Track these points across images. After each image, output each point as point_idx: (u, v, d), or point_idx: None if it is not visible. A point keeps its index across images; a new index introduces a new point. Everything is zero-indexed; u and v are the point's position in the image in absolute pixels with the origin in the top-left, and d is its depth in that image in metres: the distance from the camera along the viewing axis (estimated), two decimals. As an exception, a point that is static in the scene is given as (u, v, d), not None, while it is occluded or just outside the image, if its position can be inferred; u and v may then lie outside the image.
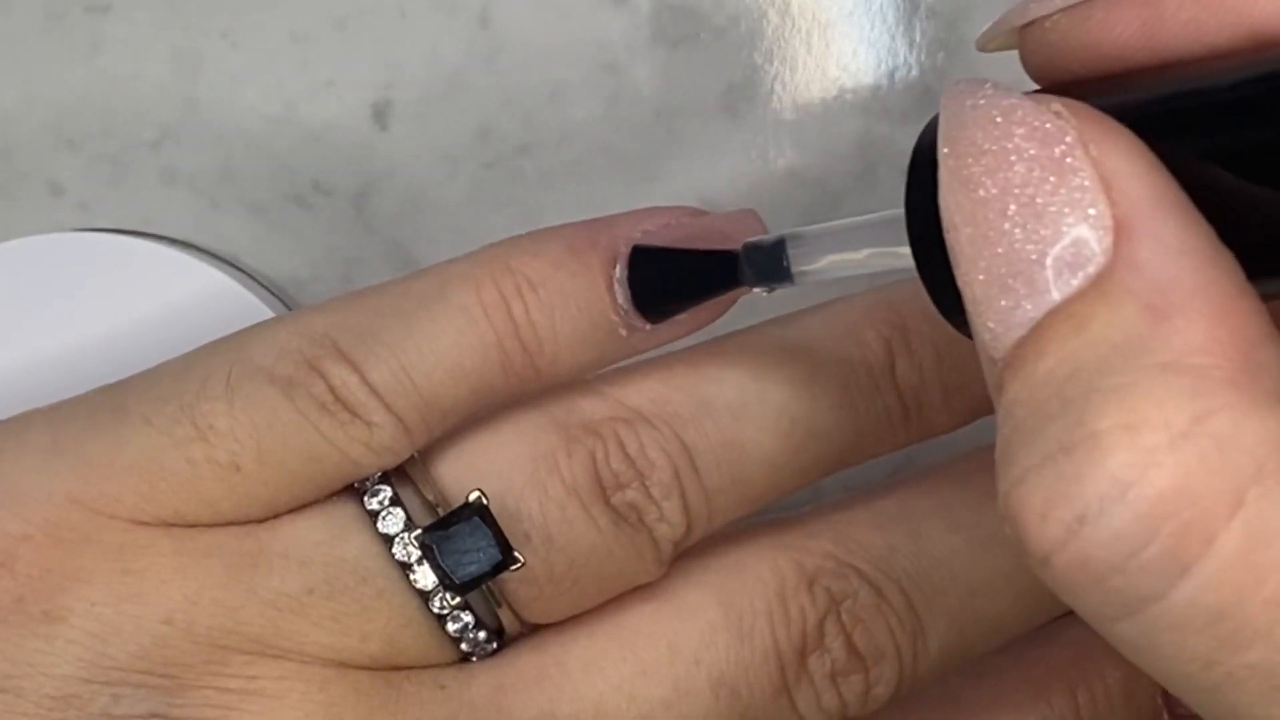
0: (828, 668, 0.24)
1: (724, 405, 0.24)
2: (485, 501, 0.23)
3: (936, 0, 0.30)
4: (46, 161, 0.31)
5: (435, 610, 0.23)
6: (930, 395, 0.25)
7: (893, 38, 0.31)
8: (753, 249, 0.23)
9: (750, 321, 0.26)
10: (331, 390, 0.23)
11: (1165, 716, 0.28)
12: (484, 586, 0.23)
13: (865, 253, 0.21)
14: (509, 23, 0.30)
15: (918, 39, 0.31)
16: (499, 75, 0.31)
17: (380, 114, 0.31)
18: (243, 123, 0.31)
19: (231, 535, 0.23)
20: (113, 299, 0.30)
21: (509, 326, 0.23)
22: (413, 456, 0.24)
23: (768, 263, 0.22)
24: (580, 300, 0.23)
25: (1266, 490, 0.14)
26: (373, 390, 0.23)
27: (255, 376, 0.23)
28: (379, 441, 0.23)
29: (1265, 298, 0.16)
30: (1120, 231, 0.16)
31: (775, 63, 0.31)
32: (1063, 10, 0.18)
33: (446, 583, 0.23)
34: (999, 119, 0.16)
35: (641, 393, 0.24)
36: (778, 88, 0.31)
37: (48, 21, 0.30)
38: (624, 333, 0.24)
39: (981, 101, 0.17)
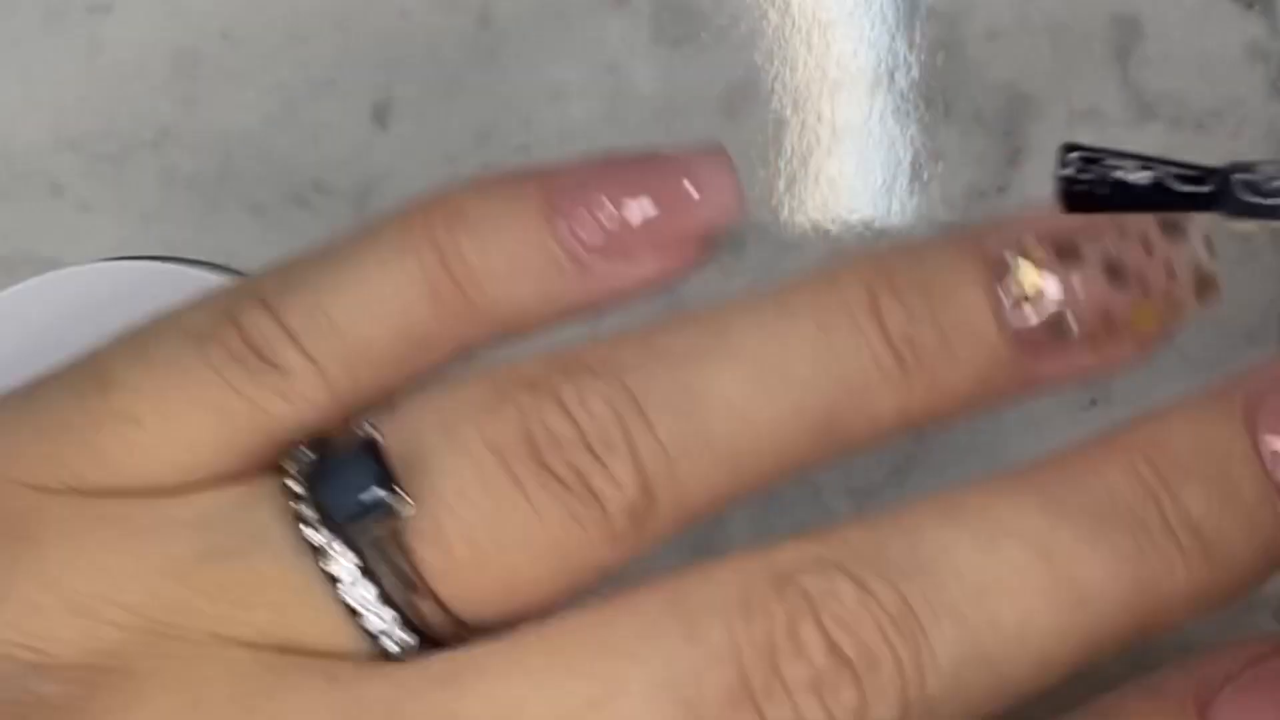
0: (807, 677, 0.20)
1: (679, 350, 0.21)
2: (376, 435, 0.20)
3: (936, 0, 0.30)
4: (46, 161, 0.31)
5: (343, 594, 0.20)
6: (924, 335, 0.22)
7: (893, 38, 0.31)
8: (1239, 169, 0.20)
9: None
10: (245, 339, 0.21)
11: None
12: (391, 555, 0.20)
13: None
14: (509, 23, 0.30)
15: (918, 39, 0.31)
16: (499, 75, 0.31)
17: (380, 114, 0.31)
18: (243, 123, 0.31)
19: (131, 504, 0.21)
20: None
21: (435, 255, 0.21)
22: (347, 424, 0.21)
23: (1263, 190, 0.20)
24: (515, 226, 0.22)
25: None
26: (287, 333, 0.21)
27: (171, 332, 0.21)
28: (295, 390, 0.21)
29: None
30: None
31: (775, 63, 0.31)
32: None
33: (326, 522, 0.20)
34: None
35: (587, 349, 0.22)
36: (778, 88, 0.31)
37: (48, 21, 0.31)
38: (567, 265, 0.22)
39: None
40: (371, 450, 0.20)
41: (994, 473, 0.22)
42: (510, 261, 0.21)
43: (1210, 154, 0.30)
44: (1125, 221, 0.21)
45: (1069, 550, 0.21)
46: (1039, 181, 0.31)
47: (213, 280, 0.30)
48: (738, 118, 0.31)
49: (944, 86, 0.31)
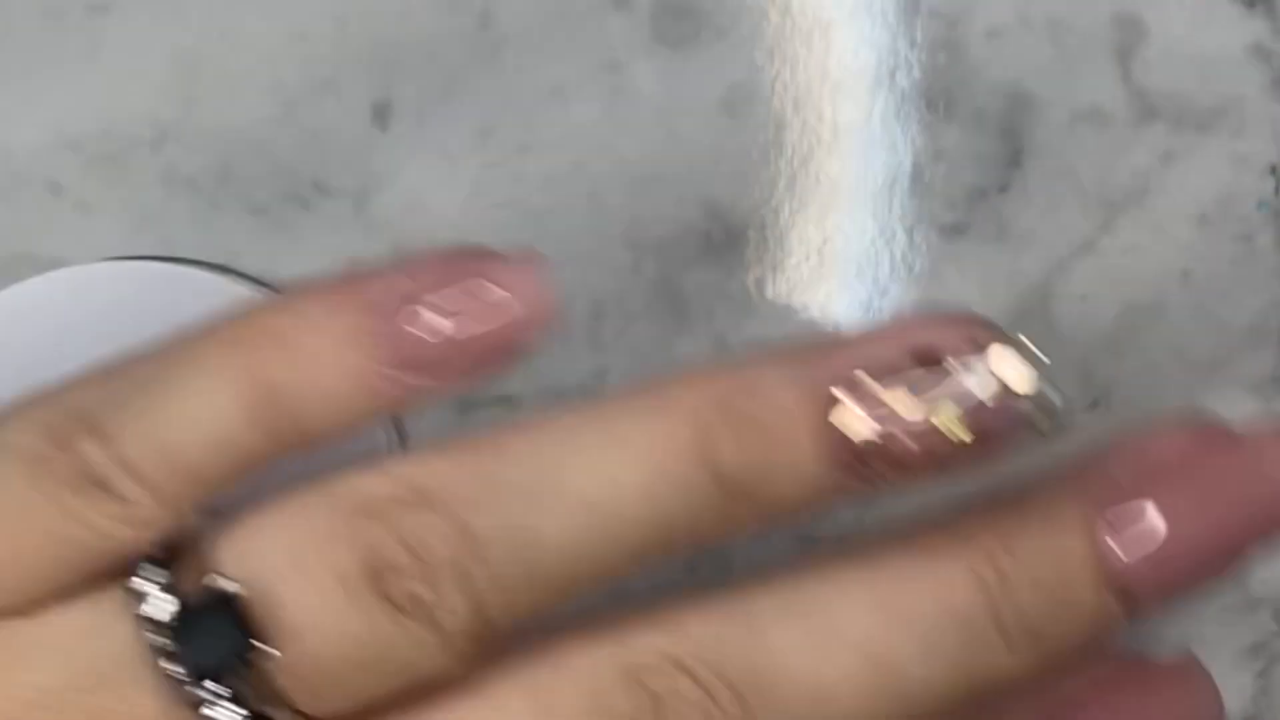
0: None
1: (516, 488, 0.22)
2: (233, 589, 0.22)
3: (937, 0, 0.30)
4: (46, 161, 0.31)
5: (193, 700, 0.22)
6: (752, 476, 0.23)
7: (893, 38, 0.31)
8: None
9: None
10: (78, 468, 0.22)
11: None
12: (245, 678, 0.22)
13: None
14: (509, 23, 0.30)
15: (918, 39, 0.31)
16: (499, 75, 0.31)
17: (380, 114, 0.31)
18: (243, 123, 0.31)
19: None
20: (151, 329, 0.30)
21: (255, 391, 0.22)
22: (187, 539, 0.23)
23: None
24: (332, 355, 0.22)
25: None
26: (124, 464, 0.22)
27: (2, 453, 0.22)
28: (136, 516, 0.22)
29: None
30: None
31: (775, 63, 0.31)
32: None
33: (191, 672, 0.22)
34: None
35: (428, 472, 0.23)
36: (778, 88, 0.31)
37: (48, 21, 0.31)
38: (381, 385, 0.22)
39: None
40: (229, 605, 0.22)
41: (837, 557, 0.24)
42: (328, 391, 0.22)
43: (1212, 153, 0.30)
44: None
45: (898, 655, 0.23)
46: (1040, 181, 0.31)
47: (212, 281, 0.30)
48: (738, 118, 0.31)
49: (944, 86, 0.31)
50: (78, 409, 0.22)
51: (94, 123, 0.31)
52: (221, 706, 0.22)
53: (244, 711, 0.22)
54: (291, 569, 0.22)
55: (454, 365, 0.23)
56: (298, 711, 0.22)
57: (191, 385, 0.22)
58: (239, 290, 0.30)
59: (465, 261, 0.23)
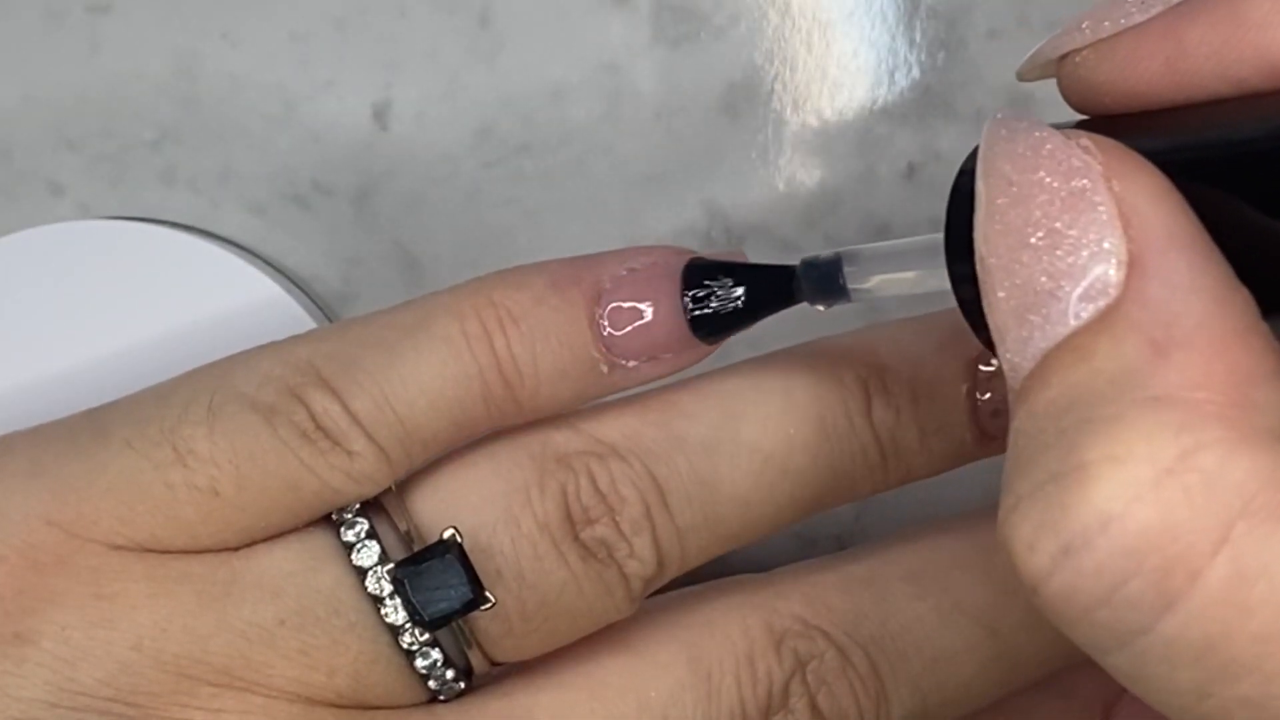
0: None
1: (697, 441, 0.24)
2: (459, 539, 0.23)
3: (937, 0, 0.30)
4: (46, 161, 0.31)
5: (404, 646, 0.23)
6: (907, 437, 0.25)
7: (893, 38, 0.31)
8: (810, 265, 0.22)
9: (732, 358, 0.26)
10: (313, 418, 0.23)
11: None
12: (455, 625, 0.23)
13: (914, 273, 0.21)
14: (509, 23, 0.30)
15: (918, 39, 0.31)
16: (499, 75, 0.31)
17: (380, 114, 0.31)
18: (243, 123, 0.31)
19: (206, 563, 0.23)
20: (122, 286, 0.30)
21: (491, 359, 0.23)
22: (390, 488, 0.24)
23: (824, 279, 0.22)
24: (562, 335, 0.23)
25: (1252, 526, 0.14)
26: (354, 419, 0.23)
27: (237, 402, 0.23)
28: (360, 470, 0.23)
29: None
30: (1134, 266, 0.16)
31: (775, 63, 0.31)
32: (1090, 45, 0.19)
33: (416, 619, 0.23)
34: (1027, 152, 0.17)
35: (615, 427, 0.24)
36: (778, 88, 0.31)
37: (48, 21, 0.30)
38: (605, 369, 0.24)
39: (1013, 134, 0.17)
40: (457, 553, 0.23)
41: (949, 531, 0.26)
42: (556, 368, 0.23)
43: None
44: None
45: (1009, 623, 0.25)
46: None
47: (177, 239, 0.30)
48: (738, 118, 0.31)
49: (944, 86, 0.31)
50: (306, 362, 0.23)
51: (94, 123, 0.31)
52: (432, 652, 0.23)
53: (443, 656, 0.23)
54: (501, 519, 0.23)
55: (669, 354, 0.24)
56: (487, 657, 0.24)
57: (424, 351, 0.23)
58: (209, 249, 0.30)
59: (679, 253, 0.24)
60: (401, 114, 0.31)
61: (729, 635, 0.24)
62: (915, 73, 0.31)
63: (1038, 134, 0.17)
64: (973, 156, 0.18)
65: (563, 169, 0.31)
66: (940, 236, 0.20)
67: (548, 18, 0.30)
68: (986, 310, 0.17)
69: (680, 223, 0.31)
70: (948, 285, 0.20)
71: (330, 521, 0.23)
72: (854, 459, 0.25)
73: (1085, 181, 0.16)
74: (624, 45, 0.30)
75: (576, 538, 0.23)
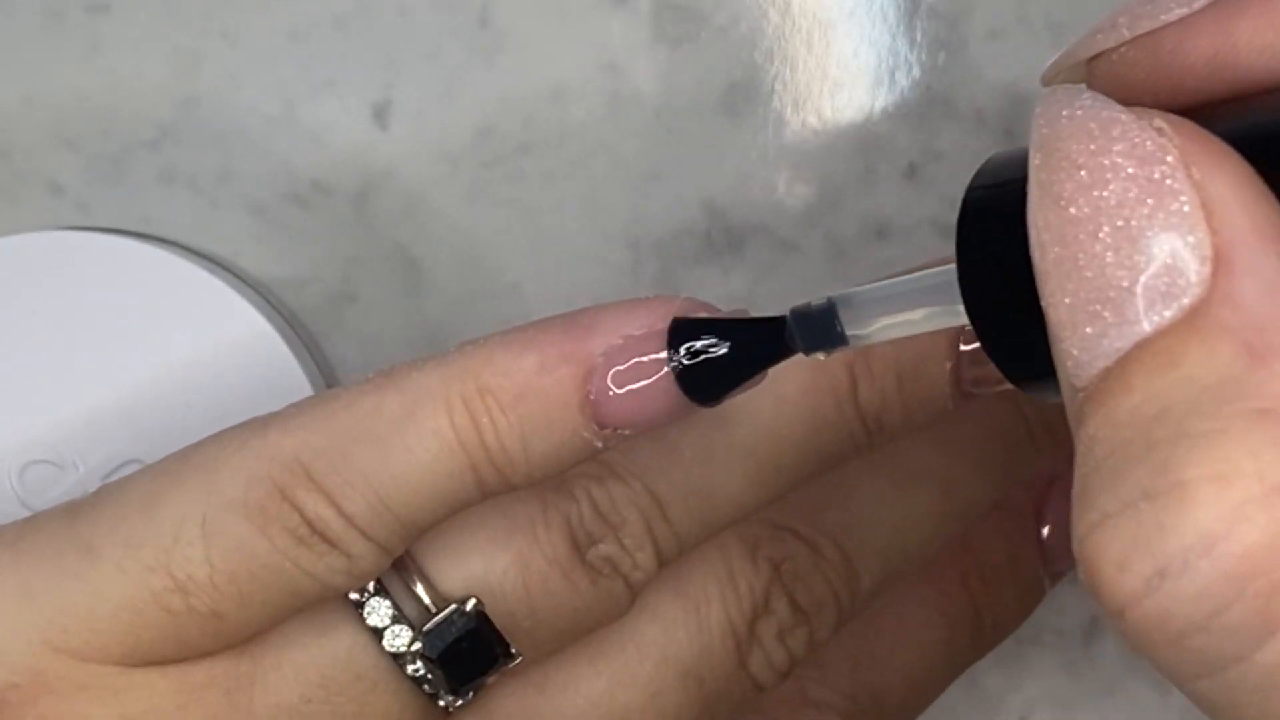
0: (774, 629, 0.25)
1: (692, 452, 0.24)
2: (482, 607, 0.23)
3: (937, 0, 0.30)
4: (46, 161, 0.31)
5: (428, 694, 0.24)
6: (891, 416, 0.25)
7: (893, 38, 0.31)
8: (801, 315, 0.21)
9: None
10: (307, 523, 0.22)
11: (1045, 577, 0.30)
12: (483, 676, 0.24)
13: (921, 313, 0.20)
14: (509, 23, 0.30)
15: (918, 39, 0.31)
16: (499, 75, 0.31)
17: (380, 114, 0.31)
18: (243, 123, 0.31)
19: (225, 662, 0.23)
20: (104, 299, 0.30)
21: (482, 453, 0.23)
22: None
23: (819, 328, 0.21)
24: (552, 421, 0.22)
25: None
26: (350, 523, 0.22)
27: (229, 513, 0.22)
28: (361, 569, 0.23)
29: None
30: (1220, 263, 0.14)
31: (775, 63, 0.31)
32: (1131, 41, 0.17)
33: (448, 687, 0.24)
34: (1097, 132, 0.15)
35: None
36: (778, 88, 0.31)
37: (48, 21, 0.30)
38: (599, 444, 0.23)
39: (1079, 111, 0.15)
40: (485, 623, 0.23)
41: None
42: (548, 451, 0.23)
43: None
44: None
45: (958, 476, 0.27)
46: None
47: (128, 247, 0.30)
48: (738, 118, 0.31)
49: (944, 86, 0.31)
50: (293, 459, 0.22)
51: (94, 123, 0.31)
52: (449, 690, 0.24)
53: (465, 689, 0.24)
54: (512, 563, 0.24)
55: (658, 417, 0.23)
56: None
57: (416, 449, 0.22)
58: (159, 255, 0.30)
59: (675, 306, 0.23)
60: (401, 114, 0.31)
61: (706, 558, 0.25)
62: (916, 73, 0.31)
63: (1108, 112, 0.15)
64: (983, 171, 0.17)
65: (563, 169, 0.31)
66: (947, 270, 0.19)
67: (547, 18, 0.30)
68: (1045, 303, 0.15)
69: (680, 223, 0.31)
70: (962, 320, 0.18)
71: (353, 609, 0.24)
72: (842, 444, 0.25)
73: (1163, 167, 0.15)
74: (624, 45, 0.30)
75: (583, 560, 0.24)
